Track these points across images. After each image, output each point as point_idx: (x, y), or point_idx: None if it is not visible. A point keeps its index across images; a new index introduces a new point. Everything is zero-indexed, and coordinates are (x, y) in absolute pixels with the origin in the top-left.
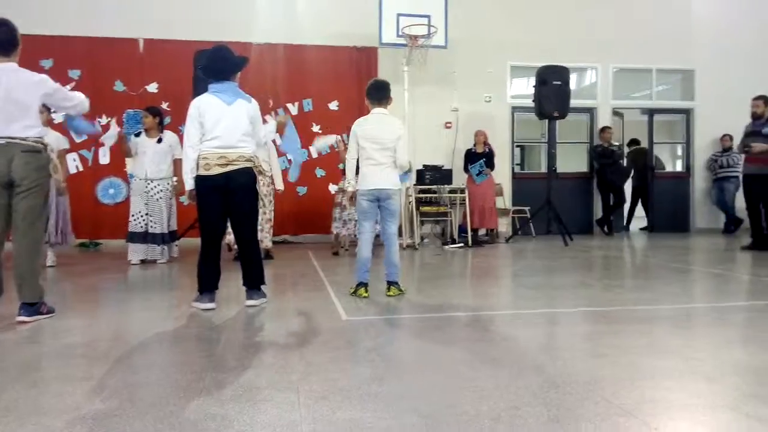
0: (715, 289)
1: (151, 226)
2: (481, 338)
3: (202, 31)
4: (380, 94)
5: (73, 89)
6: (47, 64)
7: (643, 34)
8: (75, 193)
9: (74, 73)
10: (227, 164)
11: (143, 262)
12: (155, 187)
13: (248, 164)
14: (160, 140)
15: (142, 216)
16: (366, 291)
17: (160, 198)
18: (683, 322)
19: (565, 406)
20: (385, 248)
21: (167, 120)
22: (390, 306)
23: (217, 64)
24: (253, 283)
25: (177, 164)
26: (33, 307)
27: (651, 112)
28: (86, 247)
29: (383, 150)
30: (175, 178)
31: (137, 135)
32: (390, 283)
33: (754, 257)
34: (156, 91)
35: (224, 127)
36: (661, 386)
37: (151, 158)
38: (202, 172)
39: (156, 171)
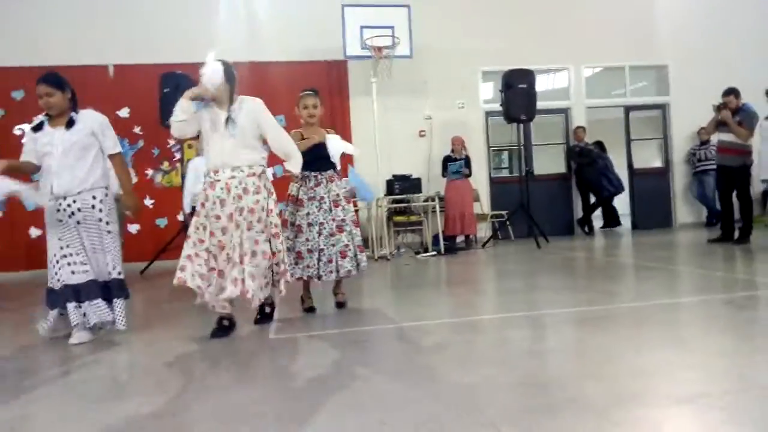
0: (663, 286)
1: (75, 272)
2: (389, 356)
3: (169, 54)
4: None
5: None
6: (18, 95)
7: (612, 33)
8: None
9: None
10: None
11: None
12: (68, 207)
13: None
14: (70, 124)
15: (57, 260)
16: None
17: (82, 222)
18: (608, 323)
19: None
20: None
21: (139, 144)
22: (313, 322)
23: None
24: None
25: (119, 166)
26: None
27: (627, 109)
28: None
29: None
30: (114, 190)
31: (38, 129)
32: None
33: (724, 251)
34: (128, 115)
35: None
36: (547, 392)
37: (59, 160)
38: None
39: (68, 181)
